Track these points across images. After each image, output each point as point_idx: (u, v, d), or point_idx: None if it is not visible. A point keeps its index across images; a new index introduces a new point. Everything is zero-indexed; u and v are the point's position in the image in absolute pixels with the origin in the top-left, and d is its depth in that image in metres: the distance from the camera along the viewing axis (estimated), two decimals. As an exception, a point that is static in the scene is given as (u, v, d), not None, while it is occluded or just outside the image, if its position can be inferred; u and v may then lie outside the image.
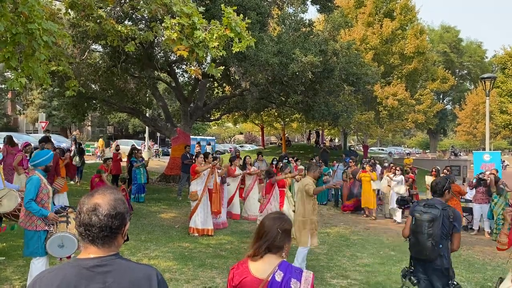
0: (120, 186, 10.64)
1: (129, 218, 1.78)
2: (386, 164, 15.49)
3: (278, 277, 2.36)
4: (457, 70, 49.48)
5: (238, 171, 11.39)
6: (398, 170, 13.37)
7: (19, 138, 18.05)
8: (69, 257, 4.92)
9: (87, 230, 1.62)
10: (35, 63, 5.45)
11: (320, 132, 33.65)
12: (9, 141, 10.16)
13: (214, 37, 5.96)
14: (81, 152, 15.34)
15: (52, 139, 13.96)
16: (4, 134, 18.05)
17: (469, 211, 12.13)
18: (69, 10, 8.04)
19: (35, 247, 4.87)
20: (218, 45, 6.06)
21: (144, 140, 31.36)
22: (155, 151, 31.73)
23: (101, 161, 13.94)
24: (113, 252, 1.67)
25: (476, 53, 49.09)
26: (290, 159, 15.27)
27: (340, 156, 19.10)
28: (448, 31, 48.89)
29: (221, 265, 6.72)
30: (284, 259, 2.52)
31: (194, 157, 10.84)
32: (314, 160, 15.87)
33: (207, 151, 19.33)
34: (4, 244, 6.70)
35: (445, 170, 13.43)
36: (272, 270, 2.38)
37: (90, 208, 1.63)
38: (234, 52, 6.32)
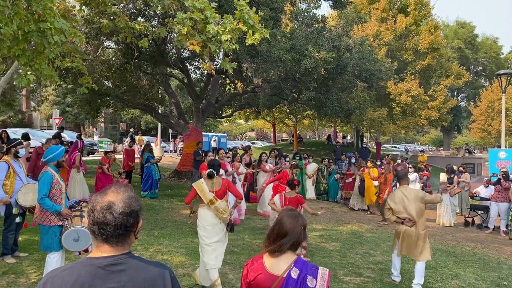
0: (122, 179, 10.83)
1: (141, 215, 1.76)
2: (399, 161, 15.33)
3: (294, 274, 2.34)
4: (472, 66, 48.75)
5: (241, 169, 11.23)
6: (410, 168, 13.25)
7: (34, 134, 18.28)
8: (86, 251, 4.97)
9: (101, 229, 1.59)
10: (43, 61, 5.49)
11: (332, 129, 33.54)
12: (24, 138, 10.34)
13: (227, 30, 5.95)
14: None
15: (62, 135, 14.19)
16: (19, 130, 18.36)
17: (484, 209, 11.98)
18: (83, 7, 8.11)
19: (50, 242, 4.93)
20: (231, 38, 6.04)
21: (157, 136, 31.47)
22: (180, 149, 31.57)
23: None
24: (126, 250, 1.65)
25: (492, 49, 48.27)
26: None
27: (353, 153, 18.98)
28: (463, 27, 48.16)
29: (234, 261, 6.73)
30: (300, 256, 2.51)
31: (204, 155, 10.91)
32: (326, 160, 15.81)
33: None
34: (20, 238, 6.80)
35: (460, 168, 13.30)
36: (288, 267, 2.37)
37: (105, 206, 1.60)
38: (247, 44, 6.30)
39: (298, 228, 2.46)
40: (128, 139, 17.47)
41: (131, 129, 29.68)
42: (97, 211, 1.60)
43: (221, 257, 5.44)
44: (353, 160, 14.71)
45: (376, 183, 12.60)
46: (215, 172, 5.54)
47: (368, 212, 12.86)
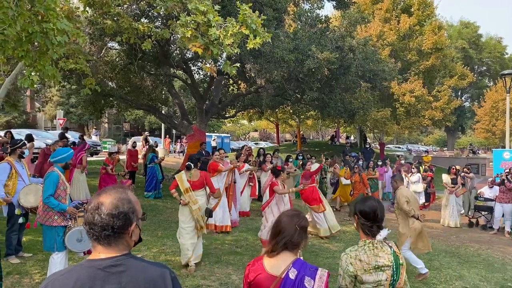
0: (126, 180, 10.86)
1: (145, 218, 1.76)
2: (402, 161, 15.28)
3: (292, 274, 2.35)
4: (476, 67, 48.49)
5: (246, 167, 10.89)
6: (413, 168, 13.19)
7: (38, 135, 18.35)
8: (89, 251, 4.97)
9: (91, 229, 1.62)
10: (47, 61, 5.51)
11: (336, 129, 33.50)
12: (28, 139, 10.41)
13: (229, 35, 5.96)
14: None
15: (66, 135, 14.24)
16: (24, 131, 18.44)
17: (488, 210, 11.92)
18: (87, 8, 8.13)
19: (53, 243, 4.94)
20: (232, 42, 6.05)
21: (161, 137, 31.49)
22: None
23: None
24: (124, 251, 1.65)
25: (496, 49, 48.04)
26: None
27: (358, 153, 18.94)
28: (467, 27, 47.93)
29: (237, 261, 6.73)
30: (300, 257, 2.51)
31: (212, 154, 10.90)
32: (328, 160, 15.76)
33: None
34: (24, 239, 6.83)
35: (465, 169, 13.25)
36: (286, 267, 2.38)
37: (94, 206, 1.62)
38: (249, 48, 6.30)
39: (292, 227, 2.45)
40: (142, 141, 17.59)
41: (145, 132, 29.76)
42: (88, 211, 1.64)
43: (197, 237, 6.34)
44: (360, 162, 14.61)
45: (347, 181, 12.56)
46: (192, 165, 6.60)
47: (335, 209, 12.79)
